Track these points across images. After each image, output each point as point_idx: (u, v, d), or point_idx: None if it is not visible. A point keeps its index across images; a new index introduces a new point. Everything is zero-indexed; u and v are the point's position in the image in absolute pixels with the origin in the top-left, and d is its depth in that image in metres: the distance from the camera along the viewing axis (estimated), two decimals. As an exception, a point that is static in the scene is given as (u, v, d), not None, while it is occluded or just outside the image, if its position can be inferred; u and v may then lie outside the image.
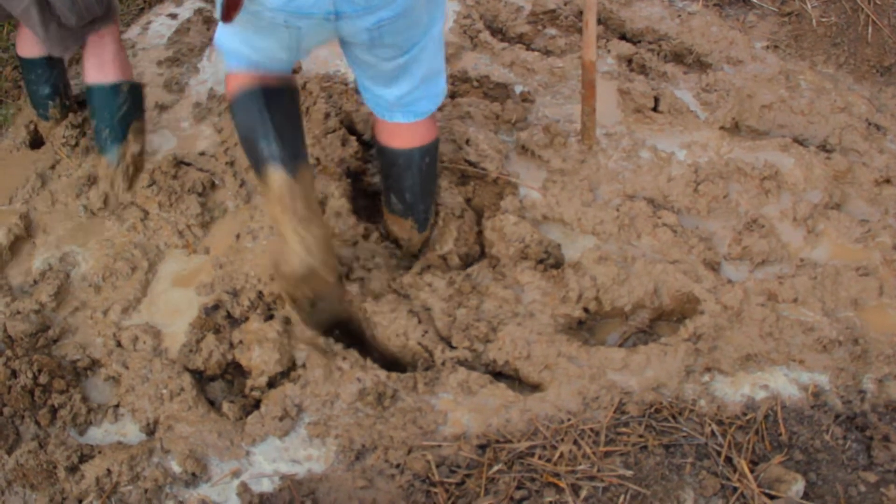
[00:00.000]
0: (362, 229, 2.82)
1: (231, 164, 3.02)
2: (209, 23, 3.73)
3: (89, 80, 2.92)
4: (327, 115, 3.12)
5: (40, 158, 3.09)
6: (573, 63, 3.43)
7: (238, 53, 2.41)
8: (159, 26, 3.76)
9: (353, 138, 3.09)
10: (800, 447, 2.32)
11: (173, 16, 3.81)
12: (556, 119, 3.21)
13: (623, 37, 3.69)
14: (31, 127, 3.20)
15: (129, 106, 2.94)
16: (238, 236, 2.83)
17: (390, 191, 2.73)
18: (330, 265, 2.39)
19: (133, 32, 3.71)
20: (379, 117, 2.60)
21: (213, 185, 2.98)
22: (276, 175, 2.33)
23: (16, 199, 2.98)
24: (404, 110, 2.55)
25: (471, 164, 2.99)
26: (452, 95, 3.27)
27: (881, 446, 2.31)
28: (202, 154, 3.09)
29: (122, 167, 2.91)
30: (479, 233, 2.89)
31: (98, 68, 2.90)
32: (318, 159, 2.94)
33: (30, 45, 2.97)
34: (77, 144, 3.07)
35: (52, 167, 3.05)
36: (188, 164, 3.03)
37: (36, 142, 3.20)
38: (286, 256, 2.33)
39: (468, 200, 2.94)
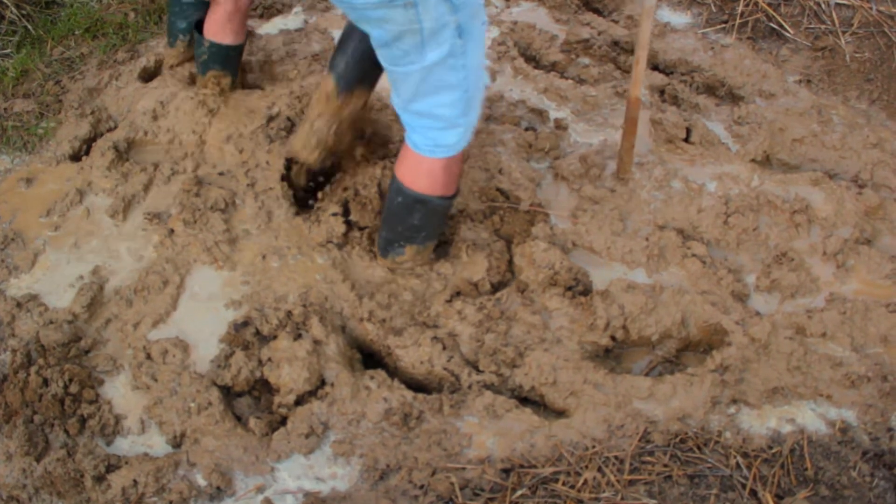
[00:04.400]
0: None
1: (252, 185, 3.05)
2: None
3: (207, 34, 3.22)
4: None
5: (79, 173, 3.14)
6: (606, 92, 3.45)
7: None
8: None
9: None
10: (826, 483, 2.30)
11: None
12: (590, 144, 3.22)
13: (656, 67, 3.71)
14: (76, 143, 3.27)
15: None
16: (264, 256, 2.86)
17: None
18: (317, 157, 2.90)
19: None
20: None
21: (234, 204, 3.01)
22: (328, 82, 2.80)
23: (53, 211, 3.03)
24: (406, 125, 2.53)
25: (502, 192, 3.00)
26: (487, 118, 3.29)
27: (909, 485, 2.29)
28: (222, 174, 3.12)
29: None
30: (510, 260, 2.90)
31: (219, 27, 3.20)
32: (357, 191, 2.98)
33: None
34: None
35: (90, 183, 3.10)
36: (209, 184, 3.07)
37: (76, 156, 3.26)
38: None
39: (496, 230, 2.95)
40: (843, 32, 3.76)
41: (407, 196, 2.61)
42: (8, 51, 3.74)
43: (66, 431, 2.49)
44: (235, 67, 3.35)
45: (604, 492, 2.27)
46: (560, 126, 3.31)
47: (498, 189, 3.02)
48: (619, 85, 3.50)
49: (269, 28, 3.79)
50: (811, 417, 2.48)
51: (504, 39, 3.70)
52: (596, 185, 3.05)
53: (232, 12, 3.17)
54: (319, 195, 3.00)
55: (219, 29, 3.20)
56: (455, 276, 2.81)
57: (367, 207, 2.93)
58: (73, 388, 2.54)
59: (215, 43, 3.22)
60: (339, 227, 2.87)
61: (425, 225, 2.71)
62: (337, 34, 3.70)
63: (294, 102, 3.26)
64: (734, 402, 2.50)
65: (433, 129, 2.46)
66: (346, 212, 2.95)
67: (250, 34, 3.62)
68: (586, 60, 3.69)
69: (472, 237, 2.87)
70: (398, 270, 2.83)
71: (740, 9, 3.87)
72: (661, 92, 3.52)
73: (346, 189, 2.98)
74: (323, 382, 2.56)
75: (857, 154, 3.21)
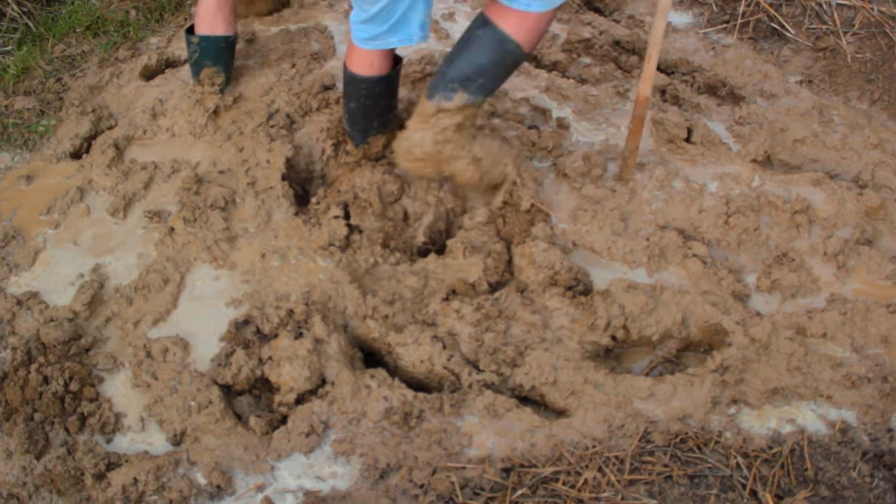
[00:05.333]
0: (394, 259, 2.87)
1: (252, 183, 3.04)
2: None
3: (199, 29, 3.26)
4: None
5: (80, 171, 3.14)
6: (607, 91, 3.45)
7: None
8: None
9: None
10: (826, 483, 2.30)
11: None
12: (591, 143, 3.22)
13: (657, 67, 3.69)
14: (76, 141, 3.27)
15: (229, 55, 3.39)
16: (264, 255, 2.86)
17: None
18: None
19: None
20: None
21: (234, 202, 3.01)
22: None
23: (54, 209, 3.03)
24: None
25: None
26: (490, 115, 3.29)
27: (909, 485, 2.29)
28: (222, 172, 3.12)
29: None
30: (508, 261, 2.90)
31: (211, 17, 3.25)
32: (356, 194, 2.98)
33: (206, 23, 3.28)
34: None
35: (90, 181, 3.10)
36: (209, 182, 3.07)
37: (76, 154, 3.26)
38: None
39: (497, 231, 2.95)
40: (845, 33, 3.76)
41: (490, 32, 2.62)
42: (9, 48, 3.74)
43: (67, 429, 2.49)
44: (228, 63, 3.36)
45: (604, 491, 2.26)
46: (562, 125, 3.31)
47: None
48: (620, 85, 3.50)
49: (269, 27, 3.79)
50: (811, 418, 2.48)
51: (505, 39, 3.69)
52: (597, 185, 3.04)
53: (221, 1, 3.20)
54: (313, 199, 3.01)
55: (210, 19, 3.22)
56: (451, 277, 2.81)
57: (366, 210, 2.93)
58: (74, 386, 2.54)
59: (206, 36, 3.23)
60: (342, 230, 2.86)
61: (489, 71, 2.68)
62: (336, 32, 3.71)
63: (293, 100, 3.27)
64: (734, 402, 2.50)
65: None
66: (346, 214, 2.94)
67: (251, 40, 3.62)
68: (587, 60, 3.69)
69: (470, 238, 2.87)
70: (435, 124, 2.75)
71: (741, 9, 3.87)
72: (663, 92, 3.52)
73: (344, 192, 2.98)
74: (323, 381, 2.55)
75: (858, 154, 3.20)
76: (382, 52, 2.78)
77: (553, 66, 3.66)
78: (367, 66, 2.81)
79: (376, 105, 2.96)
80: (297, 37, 3.69)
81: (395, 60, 2.91)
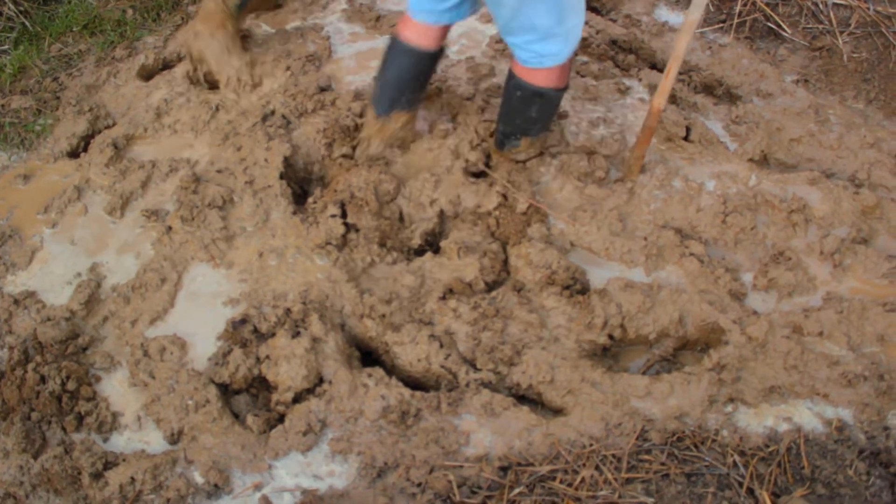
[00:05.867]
0: (391, 258, 2.87)
1: (250, 182, 3.05)
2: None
3: None
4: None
5: (77, 170, 3.14)
6: (608, 87, 3.45)
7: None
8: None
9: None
10: (822, 481, 2.31)
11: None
12: (589, 136, 3.21)
13: (654, 66, 3.71)
14: (74, 140, 3.27)
15: None
16: (261, 254, 2.86)
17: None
18: None
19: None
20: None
21: (232, 201, 3.01)
22: (368, 109, 3.10)
23: (51, 208, 3.03)
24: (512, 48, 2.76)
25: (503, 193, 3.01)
26: (487, 111, 3.28)
27: (905, 483, 2.30)
28: (220, 171, 3.12)
29: None
30: (505, 260, 2.90)
31: None
32: (352, 193, 2.99)
33: None
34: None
35: (88, 180, 3.10)
36: (207, 181, 3.07)
37: (74, 153, 3.26)
38: None
39: (492, 233, 2.96)
40: (841, 32, 3.76)
41: (525, 90, 2.79)
42: (6, 47, 3.74)
43: (64, 428, 2.49)
44: None
45: (601, 490, 2.27)
46: (562, 116, 3.29)
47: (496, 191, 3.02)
48: (620, 82, 3.49)
49: (266, 26, 3.79)
50: (808, 416, 2.48)
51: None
52: (598, 185, 3.04)
53: None
54: (310, 199, 3.01)
55: None
56: (448, 276, 2.81)
57: (363, 209, 2.93)
58: (71, 386, 2.53)
59: None
60: (339, 229, 2.87)
61: (541, 117, 2.91)
62: (333, 32, 3.71)
63: (288, 100, 3.27)
64: (731, 400, 2.50)
65: (534, 41, 2.63)
66: (343, 213, 2.94)
67: (246, 36, 3.62)
68: (584, 59, 3.69)
69: (464, 238, 2.87)
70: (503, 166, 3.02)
71: (738, 8, 3.87)
72: (660, 91, 3.51)
73: (341, 191, 2.98)
74: (321, 380, 2.55)
75: (854, 154, 3.21)
76: (437, 27, 2.80)
77: (550, 66, 3.65)
78: (422, 33, 2.81)
79: (415, 79, 2.97)
80: (294, 37, 3.69)
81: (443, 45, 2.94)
